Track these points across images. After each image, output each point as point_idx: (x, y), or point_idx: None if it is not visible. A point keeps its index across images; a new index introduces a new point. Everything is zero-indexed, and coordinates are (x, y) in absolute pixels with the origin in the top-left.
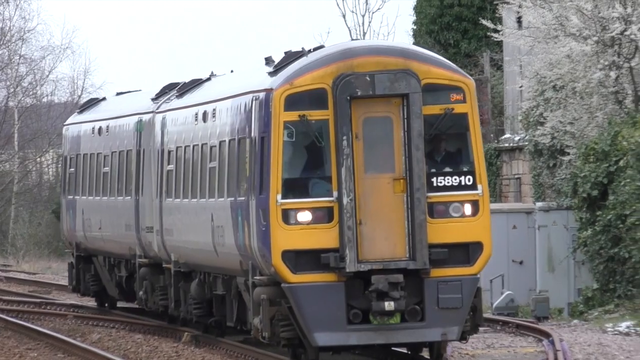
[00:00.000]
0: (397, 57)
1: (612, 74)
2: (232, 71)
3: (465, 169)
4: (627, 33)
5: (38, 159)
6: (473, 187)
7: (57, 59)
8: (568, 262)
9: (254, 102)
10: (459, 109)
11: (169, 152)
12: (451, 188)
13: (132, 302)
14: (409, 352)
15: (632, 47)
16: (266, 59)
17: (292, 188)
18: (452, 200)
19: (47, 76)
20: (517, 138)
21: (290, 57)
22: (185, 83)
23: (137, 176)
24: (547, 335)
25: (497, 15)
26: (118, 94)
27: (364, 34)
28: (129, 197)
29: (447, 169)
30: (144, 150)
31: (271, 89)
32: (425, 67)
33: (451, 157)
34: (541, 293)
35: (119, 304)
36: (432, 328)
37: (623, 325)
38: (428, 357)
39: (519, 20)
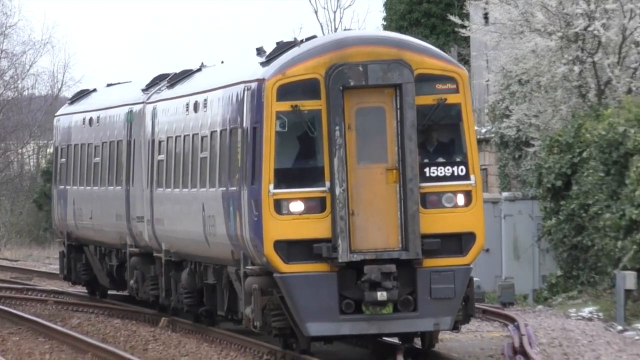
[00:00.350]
0: (390, 47)
1: (576, 69)
2: (222, 62)
3: (458, 160)
4: (590, 29)
5: (19, 150)
6: (466, 177)
7: (37, 54)
8: (533, 250)
9: (245, 92)
10: (452, 99)
11: (160, 142)
12: (444, 178)
13: (123, 290)
14: (401, 342)
15: (595, 43)
16: (257, 49)
17: (285, 178)
18: (445, 190)
19: (28, 70)
20: (483, 130)
21: (282, 47)
22: (175, 74)
23: (127, 166)
24: (512, 320)
25: (464, 11)
26: (108, 85)
27: (335, 29)
28: (120, 187)
29: (440, 160)
30: (134, 140)
31: (263, 79)
32: (419, 57)
33: (444, 148)
34: (507, 280)
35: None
36: (425, 318)
37: (586, 311)
38: (420, 347)
39: (485, 17)
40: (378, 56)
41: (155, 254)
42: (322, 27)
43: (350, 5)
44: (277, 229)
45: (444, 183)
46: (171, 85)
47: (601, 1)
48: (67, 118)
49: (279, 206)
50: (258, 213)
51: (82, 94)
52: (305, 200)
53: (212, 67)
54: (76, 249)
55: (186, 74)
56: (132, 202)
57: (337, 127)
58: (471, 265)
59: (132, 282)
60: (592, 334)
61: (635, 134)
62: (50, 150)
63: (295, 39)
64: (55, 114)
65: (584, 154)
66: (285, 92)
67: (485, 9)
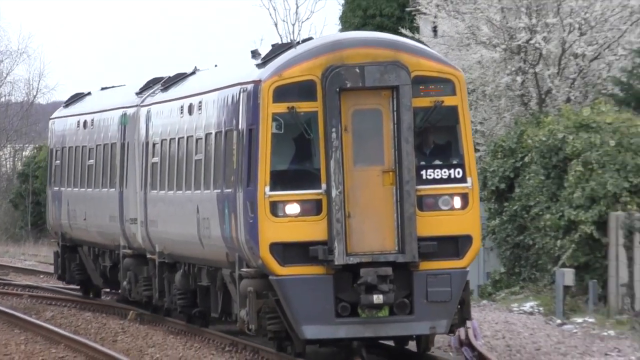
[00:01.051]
0: (386, 49)
1: (519, 79)
2: (215, 65)
3: (455, 162)
4: (532, 42)
5: None
6: (463, 180)
7: (14, 63)
8: None
9: (241, 94)
10: (448, 101)
11: (154, 144)
12: (441, 181)
13: (116, 290)
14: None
15: (537, 55)
16: (252, 51)
17: (281, 180)
18: (442, 193)
19: (5, 78)
20: None
21: (278, 49)
22: (169, 77)
23: (121, 169)
24: None
25: (414, 25)
26: (103, 88)
27: (296, 39)
28: (113, 189)
29: (437, 162)
30: (128, 143)
31: (259, 81)
32: (415, 59)
33: (441, 150)
34: None
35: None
36: (421, 321)
37: (527, 305)
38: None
39: (434, 30)
40: (375, 58)
41: (148, 256)
42: (281, 38)
43: (308, 18)
44: (273, 231)
45: (441, 185)
46: (165, 89)
47: (542, 16)
48: (62, 121)
49: (274, 208)
50: (254, 215)
51: (77, 97)
52: (301, 202)
53: (206, 71)
54: (70, 250)
55: (180, 77)
56: (126, 204)
57: (333, 129)
58: (467, 268)
59: (125, 283)
60: (533, 327)
61: (573, 140)
62: (26, 153)
63: (291, 40)
64: (51, 117)
65: (526, 159)
66: (282, 93)
67: (434, 22)
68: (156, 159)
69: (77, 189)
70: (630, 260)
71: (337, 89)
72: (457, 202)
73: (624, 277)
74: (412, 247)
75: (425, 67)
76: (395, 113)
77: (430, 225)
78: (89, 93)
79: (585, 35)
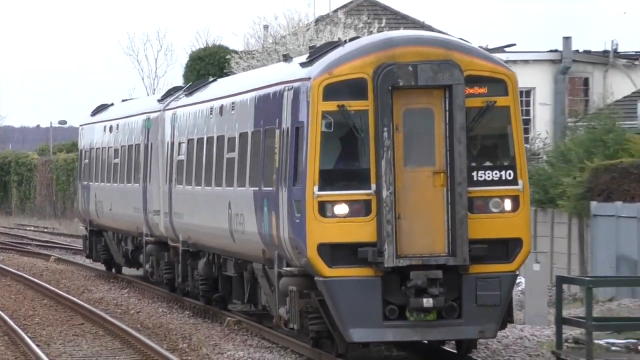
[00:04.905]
0: (439, 48)
1: None
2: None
3: (505, 164)
4: None
5: None
6: (514, 182)
7: None
8: None
9: (286, 92)
10: (501, 101)
11: (180, 144)
12: (491, 183)
13: (137, 269)
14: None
15: None
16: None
17: (329, 180)
18: (493, 195)
19: None
20: None
21: (325, 47)
22: (191, 84)
23: (145, 166)
24: None
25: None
26: (123, 100)
27: (154, 91)
28: (137, 184)
29: (488, 163)
30: (151, 144)
31: (308, 79)
32: (468, 58)
33: (492, 151)
34: None
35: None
36: (470, 325)
37: None
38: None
39: None
40: (427, 56)
41: (171, 243)
42: (147, 89)
43: (163, 75)
44: (321, 231)
45: (492, 187)
46: (190, 94)
47: None
48: (90, 127)
49: (323, 208)
50: (301, 215)
51: (102, 108)
52: (350, 203)
53: (230, 77)
54: (96, 234)
55: (202, 84)
56: (149, 197)
57: (385, 129)
58: (517, 272)
59: (147, 266)
60: None
61: None
62: None
63: (339, 39)
64: (80, 124)
65: None
66: (332, 91)
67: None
68: (182, 157)
69: (103, 184)
70: None
71: (390, 88)
72: (507, 204)
73: None
74: (463, 250)
75: (478, 66)
76: (447, 113)
77: (481, 227)
78: (112, 104)
79: None
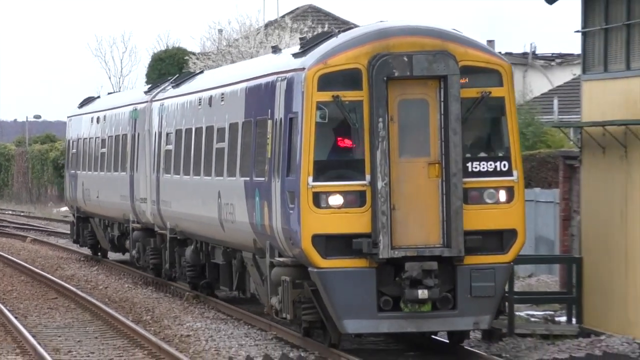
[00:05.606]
0: (434, 38)
1: None
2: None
3: (500, 154)
4: None
5: None
6: (508, 173)
7: None
8: None
9: (278, 83)
10: (495, 92)
11: (167, 134)
12: (486, 174)
13: (122, 254)
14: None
15: None
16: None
17: (324, 171)
18: (487, 186)
19: None
20: None
21: (318, 38)
22: (178, 76)
23: (132, 155)
24: None
25: None
26: (109, 93)
27: (120, 89)
28: (124, 173)
29: (482, 154)
30: (138, 134)
31: (303, 69)
32: (462, 49)
33: (486, 142)
34: None
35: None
36: (464, 317)
37: None
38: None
39: None
40: (422, 47)
41: (157, 230)
42: (113, 87)
43: (128, 74)
44: (315, 222)
45: (486, 178)
46: (177, 85)
47: None
48: (77, 118)
49: (317, 199)
50: (294, 206)
51: (89, 100)
52: (344, 193)
53: (216, 69)
54: (83, 220)
55: (189, 76)
56: (136, 185)
57: (380, 119)
58: (512, 263)
59: (134, 252)
60: None
61: None
62: None
63: (332, 29)
64: (68, 115)
65: None
66: (326, 82)
67: None
68: (170, 147)
69: (91, 172)
70: None
71: (385, 78)
72: (502, 195)
73: None
74: (459, 242)
75: (473, 57)
76: (442, 103)
77: (475, 218)
78: (99, 96)
79: None
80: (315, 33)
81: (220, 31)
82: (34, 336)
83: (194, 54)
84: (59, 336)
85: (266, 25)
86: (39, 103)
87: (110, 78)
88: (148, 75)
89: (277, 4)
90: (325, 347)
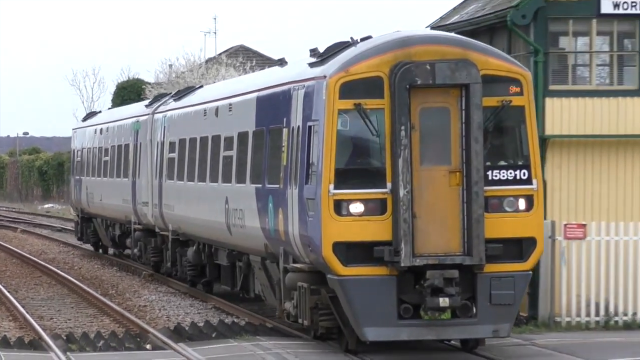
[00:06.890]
0: (455, 47)
1: None
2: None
3: (520, 163)
4: None
5: None
6: (528, 181)
7: None
8: None
9: (295, 92)
10: (516, 101)
11: (171, 143)
12: (506, 182)
13: (122, 251)
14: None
15: None
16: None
17: (345, 178)
18: (507, 194)
19: None
20: None
21: (337, 47)
22: (178, 90)
23: (134, 163)
24: None
25: None
26: (109, 108)
27: (92, 103)
28: (127, 179)
29: (502, 163)
30: (140, 143)
31: (324, 77)
32: (484, 58)
33: (506, 151)
34: None
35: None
36: (484, 324)
37: None
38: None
39: None
40: (443, 55)
41: (159, 231)
42: (85, 110)
43: (97, 100)
44: (336, 230)
45: (506, 187)
46: (178, 99)
47: None
48: (82, 130)
49: (338, 207)
50: (315, 213)
51: (92, 114)
52: (365, 201)
53: (213, 85)
54: (86, 220)
55: (189, 91)
56: (138, 190)
57: (402, 127)
58: (530, 271)
59: (135, 250)
60: None
61: None
62: None
63: (351, 38)
64: (72, 128)
65: None
66: (348, 90)
67: None
68: (173, 155)
69: (94, 178)
70: None
71: (407, 86)
72: (522, 203)
73: None
74: (480, 250)
75: (494, 66)
76: (463, 112)
77: (495, 227)
78: (100, 111)
79: None
80: (244, 68)
81: (170, 66)
82: (23, 306)
83: (149, 83)
84: (43, 306)
85: (207, 61)
86: (27, 121)
87: (83, 102)
88: (113, 101)
89: (215, 44)
90: (256, 316)
